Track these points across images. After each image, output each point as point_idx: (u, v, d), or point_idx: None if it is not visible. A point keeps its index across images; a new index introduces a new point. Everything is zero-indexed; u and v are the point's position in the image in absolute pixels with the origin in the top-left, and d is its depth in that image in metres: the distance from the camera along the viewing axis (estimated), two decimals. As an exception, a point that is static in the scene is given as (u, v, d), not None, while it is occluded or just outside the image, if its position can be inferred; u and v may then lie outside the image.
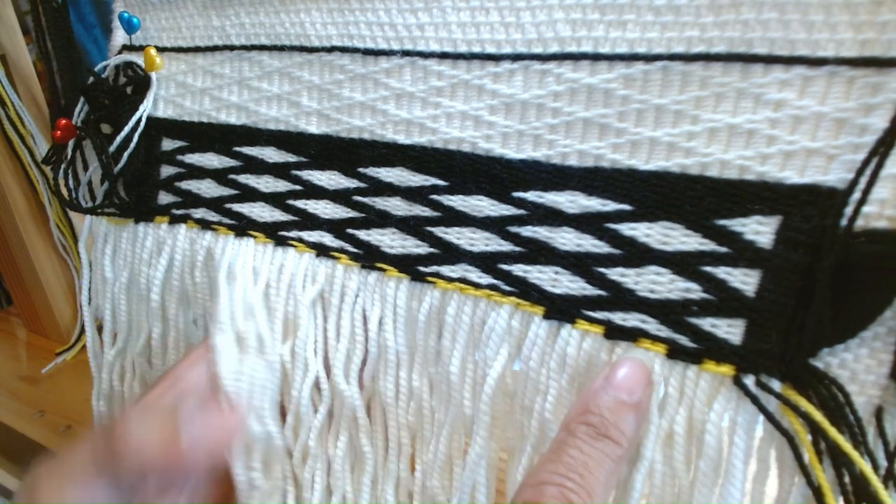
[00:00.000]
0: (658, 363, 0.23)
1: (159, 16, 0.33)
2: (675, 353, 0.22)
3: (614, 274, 0.23)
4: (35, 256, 0.55)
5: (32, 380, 0.55)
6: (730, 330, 0.21)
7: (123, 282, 0.34)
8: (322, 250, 0.29)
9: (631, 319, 0.23)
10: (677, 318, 0.22)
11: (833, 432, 0.19)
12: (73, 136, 0.33)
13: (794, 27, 0.19)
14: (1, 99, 0.50)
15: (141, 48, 0.33)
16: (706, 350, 0.22)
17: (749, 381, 0.21)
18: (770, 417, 0.21)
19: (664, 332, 0.23)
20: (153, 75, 0.33)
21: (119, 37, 0.34)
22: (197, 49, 0.32)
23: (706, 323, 0.22)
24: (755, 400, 0.21)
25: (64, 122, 0.33)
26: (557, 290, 0.24)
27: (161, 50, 0.33)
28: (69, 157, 0.34)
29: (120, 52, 0.34)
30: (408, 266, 0.27)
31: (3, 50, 0.50)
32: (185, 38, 0.32)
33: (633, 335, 0.23)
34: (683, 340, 0.22)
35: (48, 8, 0.34)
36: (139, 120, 0.32)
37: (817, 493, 0.20)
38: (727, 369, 0.21)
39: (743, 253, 0.21)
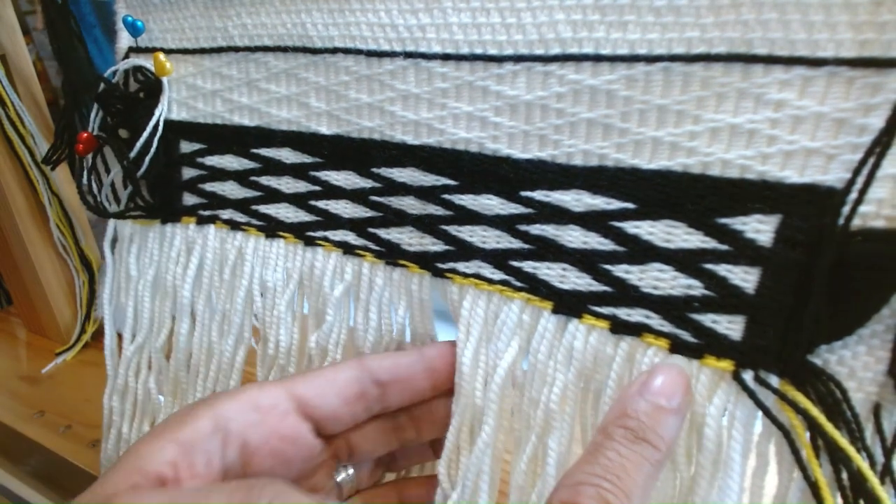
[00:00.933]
0: (661, 358, 0.23)
1: (162, 17, 0.33)
2: (678, 347, 0.23)
3: (619, 271, 0.24)
4: (35, 256, 0.55)
5: (32, 380, 0.55)
6: (730, 326, 0.22)
7: (149, 280, 0.35)
8: (348, 248, 0.30)
9: (635, 315, 0.24)
10: (679, 314, 0.23)
11: (830, 428, 0.20)
12: (94, 147, 0.34)
13: (795, 27, 0.19)
14: (1, 99, 0.50)
15: (147, 50, 0.34)
16: (707, 345, 0.22)
17: (748, 376, 0.21)
18: (767, 412, 0.21)
19: (667, 327, 0.23)
20: (164, 79, 0.33)
21: (124, 39, 0.34)
22: (203, 50, 0.32)
23: (707, 319, 0.22)
24: (752, 395, 0.21)
25: (86, 135, 0.33)
26: (565, 286, 0.25)
27: (167, 52, 0.33)
28: (90, 163, 0.35)
29: (127, 55, 0.34)
30: (427, 263, 0.28)
31: (3, 50, 0.50)
32: (189, 40, 0.33)
33: (637, 330, 0.24)
34: (685, 336, 0.23)
35: (51, 8, 0.34)
36: (156, 125, 0.33)
37: (814, 488, 0.20)
38: (727, 364, 0.22)
39: (743, 251, 0.21)
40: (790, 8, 0.19)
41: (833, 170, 0.20)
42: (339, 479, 0.29)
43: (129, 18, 0.33)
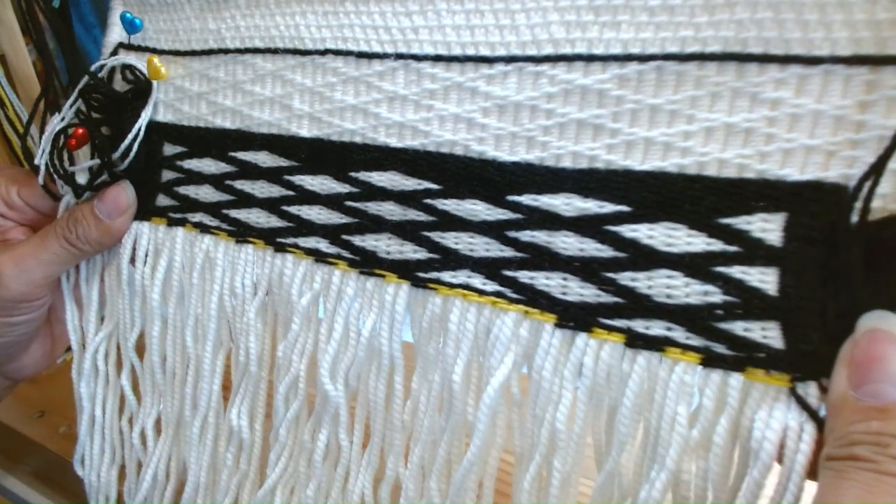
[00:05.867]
0: (691, 373, 0.21)
1: (157, 18, 0.33)
2: (712, 361, 0.21)
3: (624, 279, 0.23)
4: (35, 257, 0.54)
5: (32, 380, 0.54)
6: (766, 333, 0.20)
7: (113, 271, 0.35)
8: (319, 256, 0.29)
9: (655, 327, 0.22)
10: (705, 324, 0.21)
11: None
12: (86, 143, 0.33)
13: (789, 26, 0.19)
14: (0, 99, 0.50)
15: (139, 48, 0.33)
16: (748, 358, 0.21)
17: (810, 388, 0.20)
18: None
19: (694, 339, 0.22)
20: (154, 83, 0.33)
21: (115, 34, 0.34)
22: (193, 53, 0.32)
23: (737, 327, 0.21)
24: (814, 414, 0.19)
25: (81, 131, 0.33)
26: (569, 298, 0.24)
27: (159, 53, 0.33)
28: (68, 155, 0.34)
29: (115, 51, 0.34)
30: (407, 272, 0.27)
31: (2, 50, 0.50)
32: (182, 42, 0.32)
33: (658, 344, 0.22)
34: (719, 348, 0.21)
35: (49, 9, 0.34)
36: (140, 128, 0.32)
37: None
38: (779, 377, 0.20)
39: (754, 251, 0.21)
40: (785, 7, 0.19)
41: (834, 166, 0.20)
42: None
43: (129, 15, 0.33)
